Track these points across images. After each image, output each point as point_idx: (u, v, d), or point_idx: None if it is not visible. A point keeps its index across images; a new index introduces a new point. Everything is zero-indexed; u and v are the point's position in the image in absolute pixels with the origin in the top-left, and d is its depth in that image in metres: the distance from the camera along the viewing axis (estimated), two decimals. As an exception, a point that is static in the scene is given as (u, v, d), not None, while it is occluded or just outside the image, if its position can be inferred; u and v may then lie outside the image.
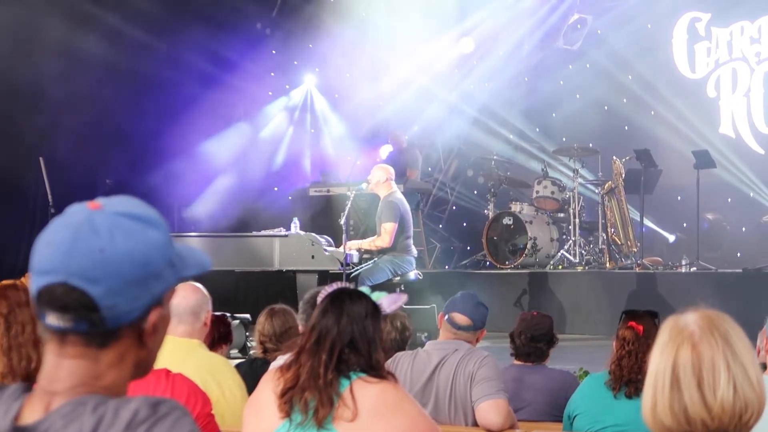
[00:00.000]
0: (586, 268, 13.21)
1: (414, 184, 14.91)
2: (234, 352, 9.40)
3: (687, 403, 2.08)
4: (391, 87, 15.43)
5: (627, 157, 13.17)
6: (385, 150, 15.43)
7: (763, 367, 4.03)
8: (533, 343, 5.63)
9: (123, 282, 1.62)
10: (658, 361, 2.15)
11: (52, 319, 1.63)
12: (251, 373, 4.99)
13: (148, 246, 1.66)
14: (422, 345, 5.20)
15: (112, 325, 1.64)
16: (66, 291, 1.61)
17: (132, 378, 1.71)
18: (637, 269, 12.57)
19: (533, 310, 6.04)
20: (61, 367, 1.64)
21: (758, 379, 2.12)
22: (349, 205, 10.56)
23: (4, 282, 3.01)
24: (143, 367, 1.73)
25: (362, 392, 3.16)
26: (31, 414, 1.63)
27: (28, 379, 2.69)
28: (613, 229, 13.19)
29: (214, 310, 4.92)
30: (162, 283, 1.69)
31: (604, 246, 13.28)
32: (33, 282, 1.64)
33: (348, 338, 3.23)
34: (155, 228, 1.68)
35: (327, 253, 10.49)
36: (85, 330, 1.63)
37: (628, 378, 4.64)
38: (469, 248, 15.68)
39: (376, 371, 3.22)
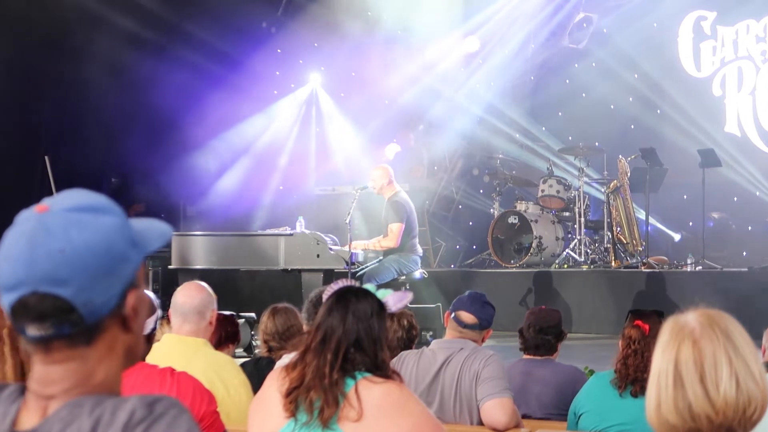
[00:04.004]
0: (592, 267, 13.19)
1: (420, 183, 14.90)
2: (239, 351, 9.41)
3: (691, 399, 2.09)
4: (396, 86, 15.43)
5: (632, 156, 13.16)
6: (392, 149, 15.43)
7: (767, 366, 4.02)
8: (541, 335, 5.66)
9: (91, 276, 1.61)
10: (660, 360, 2.15)
11: (33, 330, 1.61)
12: (256, 372, 4.99)
13: (105, 233, 1.63)
14: (427, 344, 5.20)
15: (93, 320, 1.62)
16: (38, 300, 1.59)
17: (124, 367, 1.70)
18: (642, 268, 12.56)
19: (541, 305, 6.06)
20: (51, 373, 1.63)
21: (761, 374, 2.12)
22: (354, 204, 10.56)
23: None
24: (133, 353, 1.71)
25: (367, 392, 3.15)
26: (29, 418, 1.62)
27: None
28: (618, 228, 13.18)
29: (220, 309, 4.92)
30: (130, 265, 1.67)
31: (609, 245, 13.27)
32: (4, 300, 1.62)
33: (353, 337, 3.22)
34: (107, 213, 1.66)
35: (332, 252, 10.49)
36: (68, 332, 1.61)
37: (633, 377, 4.64)
38: (474, 247, 15.67)
39: (382, 371, 3.22)
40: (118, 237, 1.65)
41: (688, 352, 2.11)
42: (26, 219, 1.63)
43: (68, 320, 1.61)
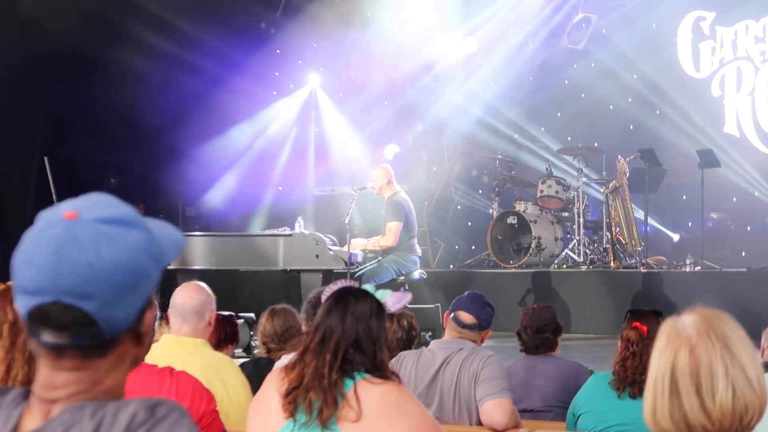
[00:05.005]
0: (591, 267, 13.20)
1: (419, 183, 14.90)
2: (238, 351, 9.42)
3: (687, 409, 2.08)
4: (395, 86, 15.43)
5: (631, 157, 13.18)
6: (390, 149, 15.43)
7: (766, 366, 4.01)
8: (539, 334, 5.70)
9: (116, 292, 1.58)
10: (656, 366, 2.14)
11: (49, 337, 1.59)
12: (256, 373, 4.99)
13: (134, 250, 1.61)
14: (426, 344, 5.20)
15: (111, 335, 1.61)
16: (60, 310, 1.56)
17: (127, 373, 1.70)
18: (641, 268, 12.57)
19: (533, 305, 6.09)
20: (58, 378, 1.61)
21: (758, 379, 2.11)
22: (353, 205, 10.57)
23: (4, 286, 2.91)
24: (137, 361, 1.71)
25: (366, 393, 3.15)
26: (31, 422, 1.61)
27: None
28: (617, 229, 13.19)
29: (219, 309, 4.92)
30: (151, 282, 1.65)
31: (608, 245, 13.28)
32: (21, 302, 1.59)
33: (352, 338, 3.22)
34: (136, 228, 1.63)
35: (331, 253, 10.49)
36: (84, 344, 1.60)
37: (632, 379, 4.64)
38: (473, 247, 15.68)
39: (381, 371, 3.22)
40: (144, 254, 1.62)
41: (685, 360, 2.10)
42: (53, 224, 1.59)
43: (88, 333, 1.58)
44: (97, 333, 1.59)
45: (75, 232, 1.57)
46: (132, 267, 1.60)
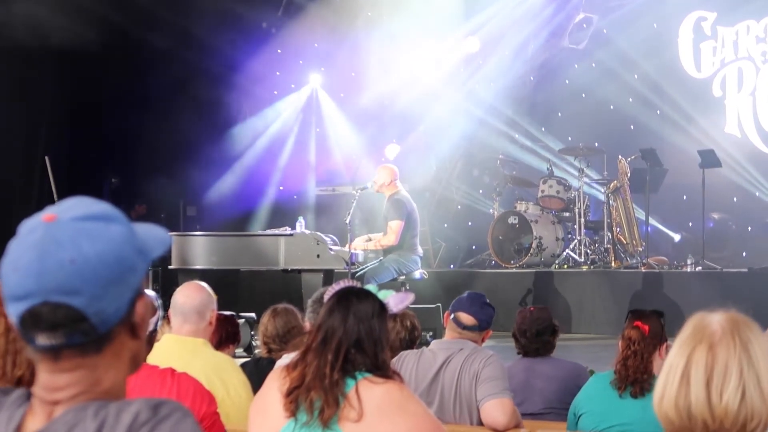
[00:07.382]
0: (592, 267, 13.20)
1: (421, 183, 14.90)
2: (239, 351, 9.41)
3: (692, 400, 2.09)
4: (396, 86, 15.43)
5: (632, 157, 13.18)
6: (391, 149, 15.43)
7: None
8: (539, 337, 5.66)
9: (102, 285, 1.60)
10: (674, 355, 2.16)
11: (43, 340, 1.60)
12: (257, 372, 4.99)
13: (115, 243, 1.63)
14: (427, 344, 5.20)
15: (104, 329, 1.62)
16: (50, 309, 1.58)
17: (129, 373, 1.70)
18: (642, 269, 12.57)
19: (529, 306, 6.05)
20: (58, 380, 1.62)
21: None
22: (354, 205, 10.56)
23: None
24: (137, 360, 1.72)
25: (368, 393, 3.15)
26: (34, 422, 1.62)
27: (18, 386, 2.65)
28: (618, 229, 13.19)
29: (220, 309, 4.92)
30: (138, 274, 1.67)
31: (609, 245, 13.28)
32: (11, 310, 1.60)
33: (354, 338, 3.22)
34: (116, 222, 1.65)
35: (332, 253, 10.48)
36: (79, 342, 1.61)
37: (633, 378, 4.64)
38: (474, 247, 15.68)
39: (382, 371, 3.22)
40: (127, 247, 1.64)
41: (702, 353, 2.11)
42: (33, 229, 1.62)
43: (80, 330, 1.60)
44: (89, 329, 1.60)
45: (55, 233, 1.60)
46: (115, 259, 1.62)
